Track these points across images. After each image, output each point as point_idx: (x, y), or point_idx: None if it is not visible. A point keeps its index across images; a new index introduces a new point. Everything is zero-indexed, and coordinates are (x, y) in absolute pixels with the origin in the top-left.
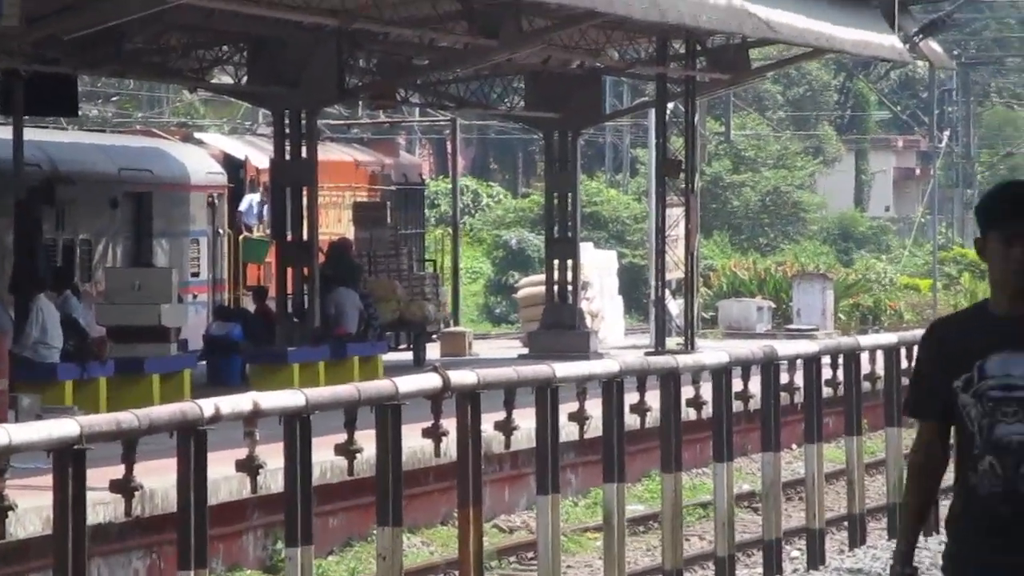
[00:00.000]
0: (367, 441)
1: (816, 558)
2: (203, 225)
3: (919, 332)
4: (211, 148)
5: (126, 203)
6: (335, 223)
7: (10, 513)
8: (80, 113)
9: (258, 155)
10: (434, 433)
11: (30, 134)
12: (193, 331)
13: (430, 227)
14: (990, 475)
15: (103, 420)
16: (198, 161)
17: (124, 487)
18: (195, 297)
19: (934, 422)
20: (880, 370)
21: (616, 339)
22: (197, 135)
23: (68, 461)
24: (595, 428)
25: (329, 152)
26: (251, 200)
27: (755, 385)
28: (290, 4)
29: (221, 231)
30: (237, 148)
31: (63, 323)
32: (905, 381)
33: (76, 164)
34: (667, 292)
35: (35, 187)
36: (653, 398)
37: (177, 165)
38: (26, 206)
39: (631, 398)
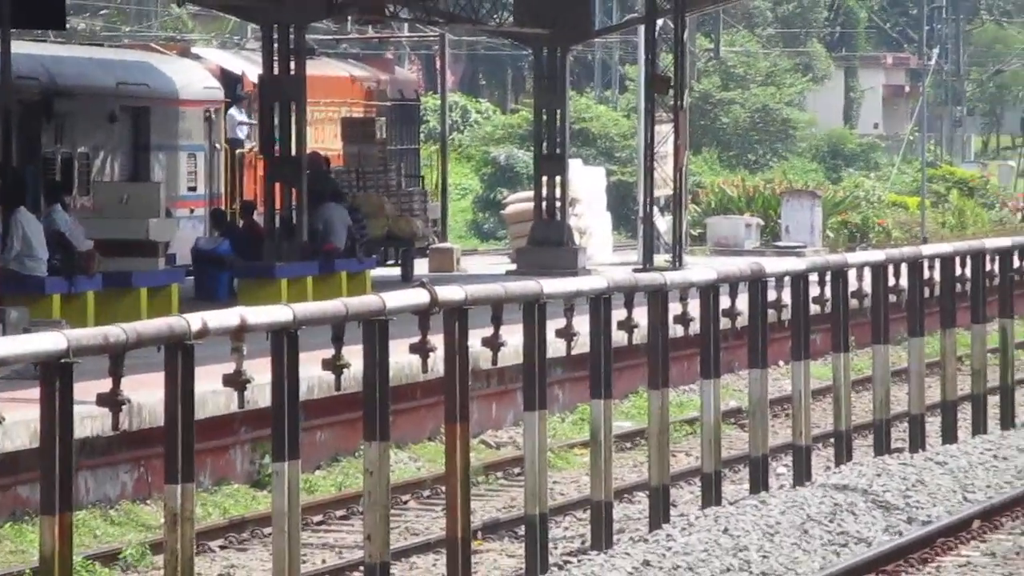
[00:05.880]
0: (355, 357)
1: (802, 474)
2: (200, 140)
3: (908, 249)
4: (208, 63)
5: (124, 117)
6: (331, 138)
7: None
8: (68, 27)
9: (256, 70)
10: (421, 349)
11: (28, 47)
12: (188, 245)
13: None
14: None
15: (90, 334)
16: (195, 76)
17: (111, 401)
18: (192, 212)
19: None
20: (868, 287)
21: (604, 256)
22: (194, 50)
23: (55, 375)
24: (582, 345)
25: (324, 67)
26: (234, 113)
27: (743, 302)
28: None
29: (218, 146)
30: (234, 63)
31: (50, 237)
32: (893, 299)
33: (74, 78)
34: (655, 209)
35: (33, 100)
36: (641, 315)
37: (174, 80)
38: (15, 118)
39: (619, 315)
